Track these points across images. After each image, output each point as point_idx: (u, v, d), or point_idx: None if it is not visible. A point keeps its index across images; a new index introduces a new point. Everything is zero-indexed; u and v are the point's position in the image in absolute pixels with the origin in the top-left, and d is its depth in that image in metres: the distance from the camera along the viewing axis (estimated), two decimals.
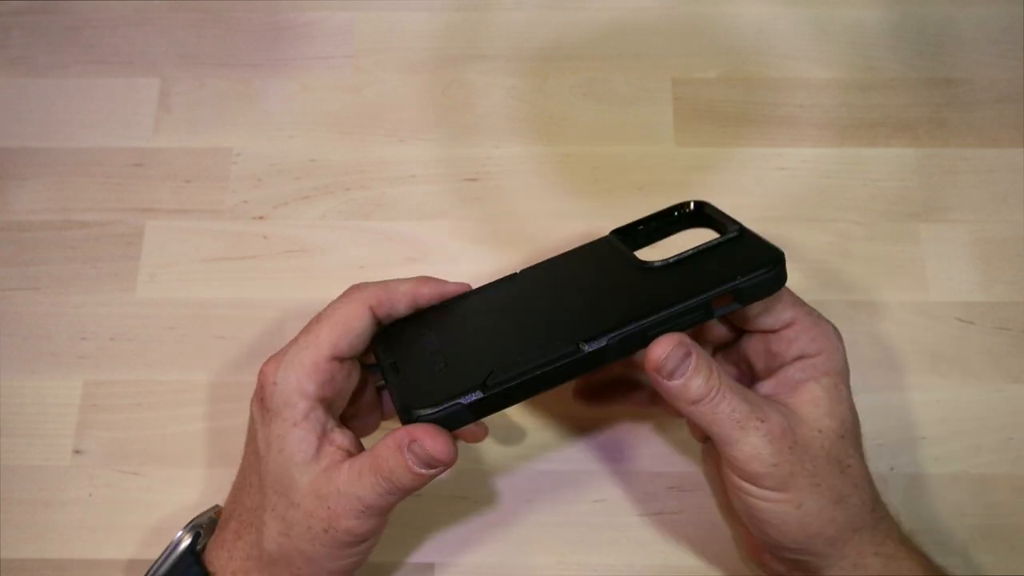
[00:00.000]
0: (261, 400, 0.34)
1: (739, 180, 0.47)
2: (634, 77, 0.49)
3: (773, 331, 0.35)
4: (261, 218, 0.47)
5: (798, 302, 0.35)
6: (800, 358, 0.35)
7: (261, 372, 0.34)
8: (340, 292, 0.46)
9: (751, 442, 0.32)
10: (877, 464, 0.41)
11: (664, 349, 0.32)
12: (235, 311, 0.45)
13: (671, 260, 0.34)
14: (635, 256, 0.36)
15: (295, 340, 0.34)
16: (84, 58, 0.50)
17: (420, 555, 0.40)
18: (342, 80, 0.50)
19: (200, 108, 0.49)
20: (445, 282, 0.36)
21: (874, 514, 0.34)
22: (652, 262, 0.34)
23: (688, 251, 0.34)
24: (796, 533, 0.33)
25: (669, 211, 0.38)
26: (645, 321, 0.32)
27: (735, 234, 0.34)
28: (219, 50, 0.50)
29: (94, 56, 0.50)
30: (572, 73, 0.50)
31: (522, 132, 0.48)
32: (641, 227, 0.38)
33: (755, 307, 0.35)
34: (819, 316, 0.35)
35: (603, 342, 0.31)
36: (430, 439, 0.31)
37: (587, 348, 0.31)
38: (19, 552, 0.41)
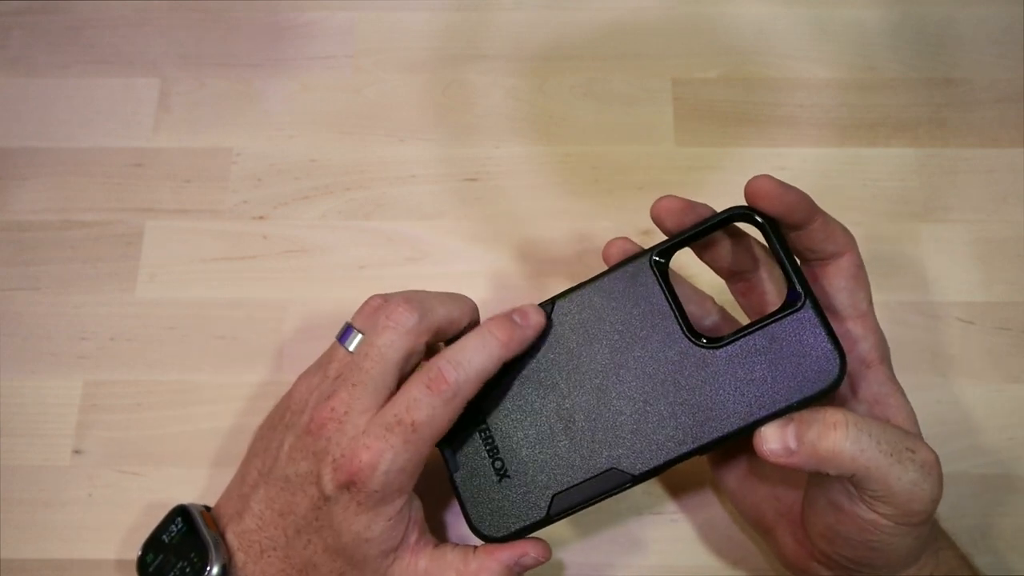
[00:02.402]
0: (351, 486, 0.32)
1: (739, 180, 0.47)
2: (634, 77, 0.49)
3: (839, 315, 0.34)
4: (261, 218, 0.47)
5: (872, 298, 0.34)
6: (865, 360, 0.33)
7: (357, 459, 0.31)
8: (340, 292, 0.46)
9: (909, 477, 0.30)
10: None
11: (761, 443, 0.30)
12: (235, 311, 0.45)
13: (728, 341, 0.32)
14: (685, 319, 0.33)
15: (391, 432, 0.31)
16: (84, 58, 0.50)
17: None
18: (342, 80, 0.50)
19: (200, 108, 0.49)
20: (521, 328, 0.33)
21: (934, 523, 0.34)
22: (705, 341, 0.32)
23: (746, 330, 0.32)
24: (895, 559, 0.32)
25: (728, 218, 0.34)
26: (692, 447, 0.32)
27: (799, 309, 0.31)
28: (219, 50, 0.50)
29: (94, 56, 0.50)
30: (572, 73, 0.50)
31: (522, 132, 0.48)
32: (690, 238, 0.34)
33: (839, 284, 0.33)
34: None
35: (651, 469, 0.32)
36: (542, 551, 0.34)
37: (636, 478, 0.32)
38: (19, 552, 0.41)
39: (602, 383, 0.33)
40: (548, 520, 0.33)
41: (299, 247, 0.46)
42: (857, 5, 0.51)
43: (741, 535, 0.41)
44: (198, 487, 0.42)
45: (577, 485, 0.33)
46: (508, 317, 0.33)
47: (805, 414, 0.30)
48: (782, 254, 0.32)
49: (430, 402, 0.31)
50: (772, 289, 0.35)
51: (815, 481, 0.33)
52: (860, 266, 0.34)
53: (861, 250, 0.45)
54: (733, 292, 0.37)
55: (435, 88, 0.49)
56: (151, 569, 0.35)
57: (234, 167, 0.48)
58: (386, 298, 0.35)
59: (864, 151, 0.48)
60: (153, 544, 0.36)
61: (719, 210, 0.34)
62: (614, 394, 0.33)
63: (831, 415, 0.30)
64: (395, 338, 0.33)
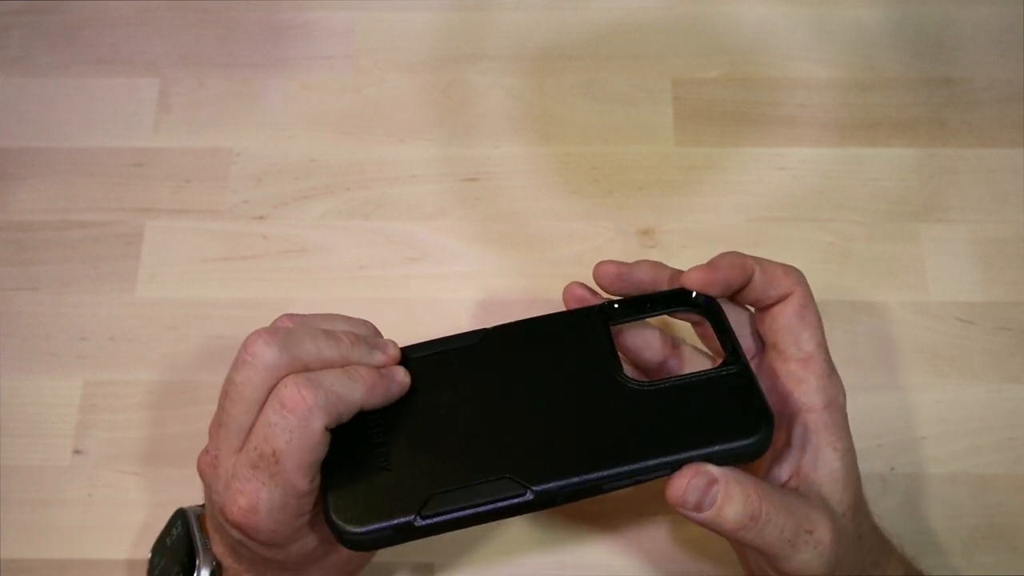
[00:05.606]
0: (244, 533, 0.30)
1: (739, 180, 0.47)
2: (634, 77, 0.49)
3: (784, 355, 0.33)
4: (261, 218, 0.47)
5: (821, 339, 0.33)
6: (804, 405, 0.33)
7: (235, 505, 0.30)
8: (340, 292, 0.46)
9: (802, 559, 0.30)
10: (877, 464, 0.41)
11: (681, 485, 0.29)
12: (235, 311, 0.45)
13: (656, 386, 0.32)
14: (619, 364, 0.33)
15: (257, 469, 0.29)
16: (84, 58, 0.50)
17: (419, 555, 0.40)
18: (342, 80, 0.50)
19: (200, 108, 0.49)
20: (386, 381, 0.32)
21: (876, 569, 0.34)
22: (634, 382, 0.32)
23: (676, 379, 0.32)
24: None
25: (672, 297, 0.34)
26: (601, 474, 0.30)
27: (733, 371, 0.32)
28: (219, 50, 0.50)
29: (94, 56, 0.50)
30: (572, 73, 0.50)
31: (522, 132, 0.48)
32: (637, 308, 0.35)
33: (781, 323, 0.33)
34: (832, 365, 0.33)
35: (552, 487, 0.30)
36: None
37: (533, 492, 0.30)
38: (19, 552, 0.41)
39: (520, 400, 0.32)
40: (419, 527, 0.29)
41: (299, 247, 0.46)
42: (857, 5, 0.51)
43: None
44: (198, 487, 0.41)
45: (462, 488, 0.30)
46: (375, 368, 0.31)
47: (733, 489, 0.29)
48: (719, 327, 0.33)
49: (285, 425, 0.29)
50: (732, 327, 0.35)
51: None
52: (805, 306, 0.33)
53: (861, 249, 0.45)
54: (699, 335, 0.37)
55: (435, 88, 0.49)
56: (156, 572, 0.36)
57: (234, 167, 0.48)
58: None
59: (864, 151, 0.48)
60: (159, 547, 0.36)
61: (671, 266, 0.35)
62: (529, 411, 0.32)
63: (751, 503, 0.29)
64: (252, 375, 0.29)
